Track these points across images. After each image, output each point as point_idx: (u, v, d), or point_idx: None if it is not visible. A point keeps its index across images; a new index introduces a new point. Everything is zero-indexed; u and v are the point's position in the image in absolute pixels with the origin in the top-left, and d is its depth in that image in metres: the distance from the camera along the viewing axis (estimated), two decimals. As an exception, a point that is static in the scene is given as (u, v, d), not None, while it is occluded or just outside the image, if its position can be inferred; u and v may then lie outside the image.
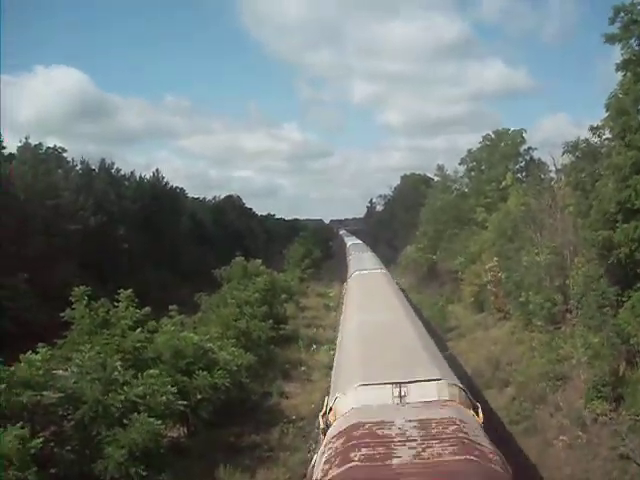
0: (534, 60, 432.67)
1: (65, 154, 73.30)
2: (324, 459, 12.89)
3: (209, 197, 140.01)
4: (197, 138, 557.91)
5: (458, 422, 13.36)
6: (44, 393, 17.75)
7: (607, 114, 30.04)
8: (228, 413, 28.43)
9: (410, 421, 13.57)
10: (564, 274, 36.66)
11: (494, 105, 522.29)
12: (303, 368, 39.70)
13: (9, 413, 16.42)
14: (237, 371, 28.97)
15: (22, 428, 15.52)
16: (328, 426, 15.34)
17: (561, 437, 25.34)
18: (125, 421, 17.97)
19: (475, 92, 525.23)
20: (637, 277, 28.14)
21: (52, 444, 17.87)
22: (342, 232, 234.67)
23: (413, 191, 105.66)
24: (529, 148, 67.68)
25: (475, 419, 14.86)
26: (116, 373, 19.59)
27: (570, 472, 23.09)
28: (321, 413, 16.72)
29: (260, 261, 54.87)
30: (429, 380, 16.06)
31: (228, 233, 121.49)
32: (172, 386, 21.34)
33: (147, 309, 28.16)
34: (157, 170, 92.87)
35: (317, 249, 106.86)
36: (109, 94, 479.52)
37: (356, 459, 12.08)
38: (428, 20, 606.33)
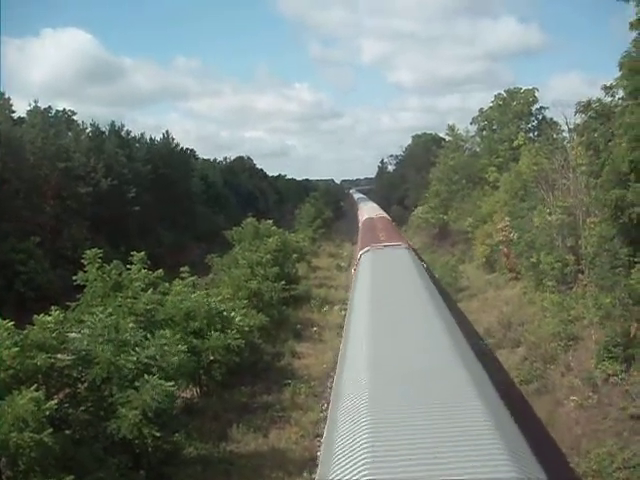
0: (548, 17, 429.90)
1: (75, 117, 73.69)
2: None
3: (220, 158, 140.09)
4: (208, 100, 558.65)
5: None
6: (58, 355, 17.84)
7: (620, 73, 29.71)
8: (240, 374, 28.64)
9: None
10: (576, 234, 36.60)
11: (507, 64, 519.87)
12: (315, 328, 39.85)
13: (23, 376, 16.50)
14: (249, 332, 29.15)
15: (36, 390, 15.62)
16: None
17: (572, 397, 25.39)
18: (137, 383, 18.06)
19: (488, 50, 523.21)
20: (650, 237, 28.04)
21: (66, 406, 18.04)
22: (354, 193, 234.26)
23: (424, 151, 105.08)
24: (541, 107, 67.40)
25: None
26: (128, 335, 19.67)
27: (580, 432, 23.16)
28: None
29: (271, 222, 54.92)
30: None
31: (239, 194, 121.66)
32: (184, 346, 21.42)
33: (159, 271, 28.27)
34: (167, 132, 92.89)
35: (328, 209, 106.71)
36: (118, 56, 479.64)
37: None
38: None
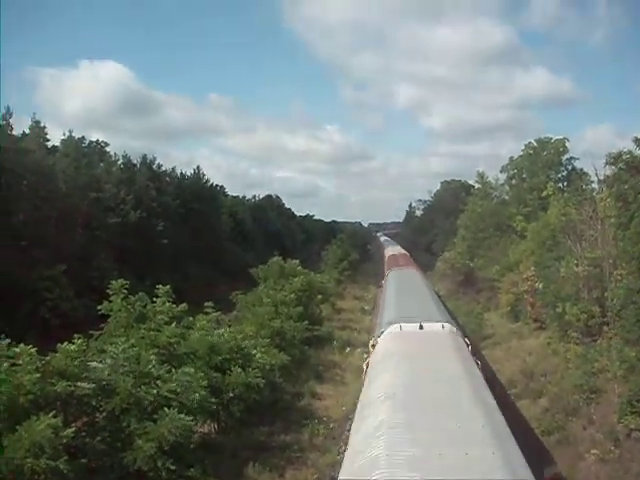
0: (580, 68, 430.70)
1: (107, 148, 74.57)
2: None
3: (249, 196, 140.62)
4: (239, 137, 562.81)
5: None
6: (78, 384, 17.89)
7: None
8: (259, 412, 28.47)
9: None
10: (602, 286, 36.29)
11: (538, 113, 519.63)
12: (336, 370, 39.65)
13: (42, 402, 16.55)
14: (270, 370, 29.06)
15: (55, 417, 15.65)
16: None
17: (593, 451, 25.06)
18: (156, 415, 18.05)
19: (519, 99, 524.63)
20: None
21: (84, 434, 18.03)
22: (381, 237, 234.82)
23: (453, 197, 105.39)
24: (571, 158, 67.45)
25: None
26: (150, 367, 19.69)
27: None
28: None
29: (297, 261, 54.89)
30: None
31: (267, 232, 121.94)
32: (205, 383, 21.40)
33: (184, 305, 28.33)
34: (198, 167, 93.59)
35: (355, 251, 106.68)
36: (153, 90, 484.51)
37: None
38: (474, 26, 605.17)
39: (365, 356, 29.06)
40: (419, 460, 12.64)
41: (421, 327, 26.31)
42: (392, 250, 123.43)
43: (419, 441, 13.64)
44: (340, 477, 13.95)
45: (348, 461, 14.68)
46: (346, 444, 17.46)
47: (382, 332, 27.61)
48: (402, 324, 26.98)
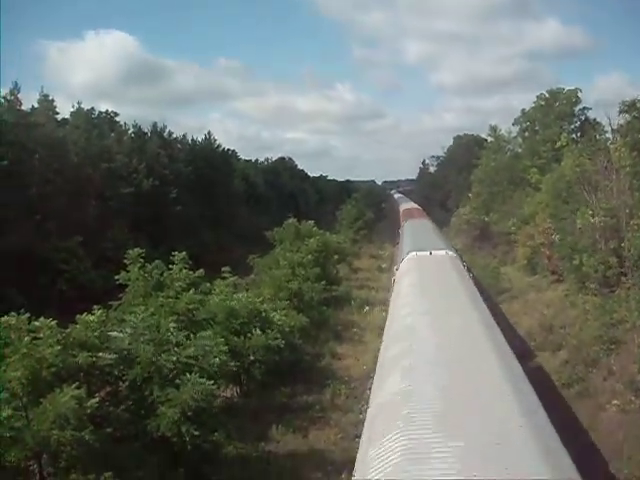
0: (591, 17, 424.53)
1: (117, 118, 74.43)
2: None
3: (261, 159, 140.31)
4: (250, 100, 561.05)
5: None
6: (99, 354, 18.04)
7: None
8: (280, 374, 28.61)
9: None
10: (619, 236, 36.12)
11: (549, 64, 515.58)
12: (355, 329, 39.75)
13: (65, 374, 16.70)
14: (290, 332, 29.20)
15: (78, 388, 15.79)
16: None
17: (614, 401, 25.09)
18: (177, 381, 18.17)
19: (530, 51, 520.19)
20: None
21: (107, 404, 18.21)
22: (395, 194, 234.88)
23: (466, 152, 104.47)
24: (584, 108, 66.62)
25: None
26: (169, 334, 19.78)
27: (622, 437, 22.86)
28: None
29: (312, 222, 54.93)
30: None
31: (280, 194, 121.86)
32: (224, 347, 21.49)
33: (201, 271, 28.47)
34: (209, 133, 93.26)
35: (370, 210, 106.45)
36: (160, 58, 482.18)
37: None
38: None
39: (392, 277, 39.65)
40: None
41: (430, 253, 39.01)
42: (406, 205, 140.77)
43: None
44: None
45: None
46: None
47: (403, 259, 40.54)
48: (417, 252, 39.51)
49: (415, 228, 70.91)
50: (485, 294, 38.14)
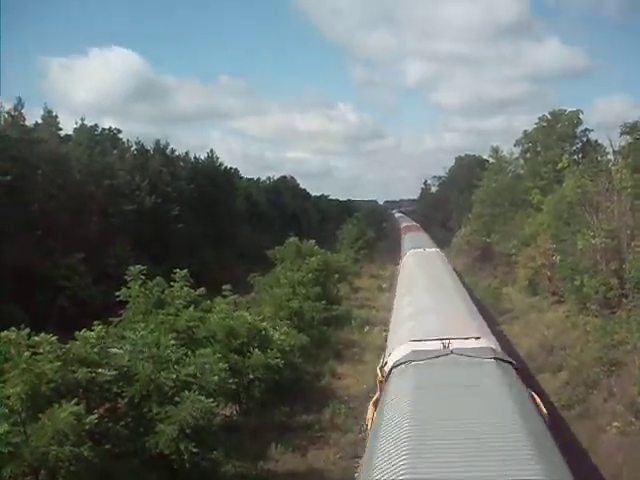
0: (593, 40, 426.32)
1: (120, 135, 74.72)
2: None
3: (263, 178, 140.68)
4: (252, 119, 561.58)
5: None
6: (99, 370, 18.02)
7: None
8: (280, 393, 28.57)
9: None
10: (620, 258, 36.14)
11: (551, 86, 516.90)
12: (355, 349, 39.69)
13: (64, 389, 16.67)
14: (290, 351, 29.15)
15: (77, 404, 15.77)
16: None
17: (614, 423, 25.02)
18: (177, 399, 18.15)
19: (532, 73, 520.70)
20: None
21: (106, 420, 18.17)
22: (396, 214, 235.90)
23: (467, 173, 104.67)
24: (586, 129, 66.86)
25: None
26: (168, 352, 19.77)
27: (622, 459, 22.79)
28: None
29: (314, 241, 54.92)
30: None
31: (282, 213, 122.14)
32: (224, 365, 21.45)
33: (202, 289, 28.49)
34: (211, 151, 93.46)
35: (371, 230, 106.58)
36: (163, 75, 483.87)
37: None
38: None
39: (397, 267, 61.62)
40: None
41: (424, 250, 58.28)
42: (406, 222, 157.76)
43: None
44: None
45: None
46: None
47: (405, 254, 61.19)
48: (415, 250, 59.17)
49: (413, 237, 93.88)
50: (486, 313, 39.22)
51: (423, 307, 25.82)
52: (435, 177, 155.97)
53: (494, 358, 15.87)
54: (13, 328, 17.12)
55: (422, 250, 58.37)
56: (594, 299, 36.63)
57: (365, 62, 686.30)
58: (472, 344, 17.40)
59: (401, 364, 16.32)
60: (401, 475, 10.01)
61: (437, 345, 17.00)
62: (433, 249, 62.28)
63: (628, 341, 30.02)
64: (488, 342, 18.30)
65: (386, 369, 17.26)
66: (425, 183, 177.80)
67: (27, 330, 17.24)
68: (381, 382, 17.36)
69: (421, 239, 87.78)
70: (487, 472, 9.79)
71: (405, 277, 44.34)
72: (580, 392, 29.10)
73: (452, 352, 16.19)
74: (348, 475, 21.97)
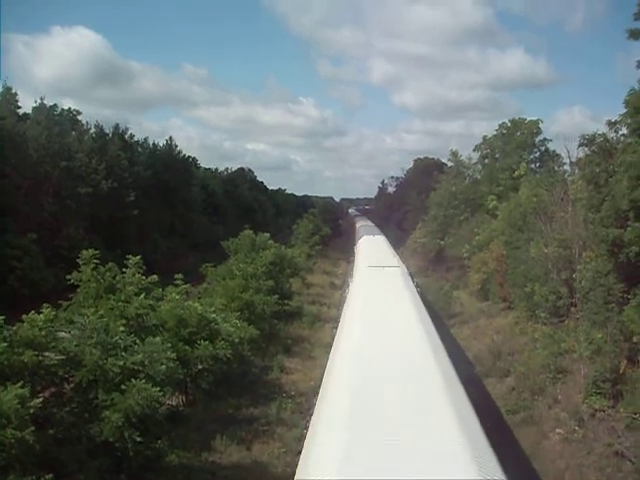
0: (556, 52, 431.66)
1: (80, 117, 73.80)
2: None
3: (221, 168, 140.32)
4: (213, 109, 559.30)
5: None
6: (46, 354, 17.79)
7: (625, 110, 29.78)
8: (228, 385, 28.57)
9: None
10: (571, 268, 36.59)
11: (513, 94, 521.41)
12: (305, 344, 39.77)
13: (9, 372, 16.43)
14: (239, 343, 29.05)
15: (22, 387, 15.55)
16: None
17: (558, 430, 25.40)
18: (123, 386, 17.99)
19: (494, 80, 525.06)
20: (646, 275, 28.03)
21: (51, 405, 17.95)
22: (352, 211, 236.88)
23: (425, 175, 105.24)
24: (545, 139, 67.69)
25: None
26: (117, 338, 19.58)
27: (564, 465, 23.11)
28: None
29: (268, 235, 54.92)
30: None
31: (238, 205, 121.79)
32: (173, 354, 21.30)
33: (154, 277, 28.18)
34: (170, 138, 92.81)
35: (326, 226, 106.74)
36: (126, 60, 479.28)
37: None
38: (453, 4, 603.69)
39: (355, 249, 76.30)
40: None
41: (374, 236, 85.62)
42: (361, 221, 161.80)
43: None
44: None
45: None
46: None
47: (359, 239, 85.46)
48: (368, 236, 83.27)
49: (366, 228, 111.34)
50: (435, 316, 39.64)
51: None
52: (393, 177, 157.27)
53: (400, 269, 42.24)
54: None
55: (373, 237, 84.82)
56: (544, 307, 37.13)
57: (331, 58, 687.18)
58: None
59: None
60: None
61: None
62: (382, 236, 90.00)
63: (575, 350, 30.49)
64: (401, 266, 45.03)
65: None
66: (382, 183, 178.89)
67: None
68: None
69: (372, 229, 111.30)
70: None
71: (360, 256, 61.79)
72: (526, 398, 29.52)
73: (383, 268, 42.82)
74: (292, 470, 22.03)
